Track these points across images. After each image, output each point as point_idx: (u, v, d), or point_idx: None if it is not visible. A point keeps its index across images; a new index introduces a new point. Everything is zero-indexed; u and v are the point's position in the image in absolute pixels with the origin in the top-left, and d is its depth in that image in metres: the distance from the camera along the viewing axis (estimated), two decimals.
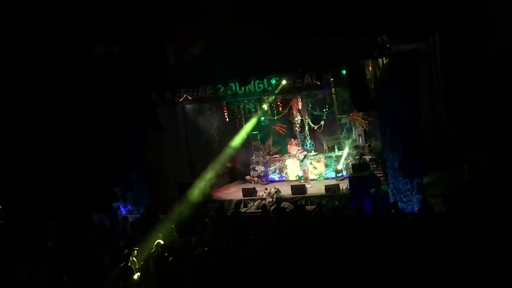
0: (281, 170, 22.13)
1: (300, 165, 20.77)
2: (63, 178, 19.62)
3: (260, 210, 17.39)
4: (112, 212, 18.35)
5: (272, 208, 17.06)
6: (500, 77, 18.25)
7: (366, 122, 19.98)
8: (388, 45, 16.25)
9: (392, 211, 14.76)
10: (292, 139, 21.89)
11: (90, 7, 22.70)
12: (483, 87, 18.18)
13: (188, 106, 20.57)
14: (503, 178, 15.27)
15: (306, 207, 17.86)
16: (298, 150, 21.05)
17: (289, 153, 21.81)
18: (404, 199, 15.73)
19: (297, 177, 21.22)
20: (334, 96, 20.37)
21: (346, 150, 20.68)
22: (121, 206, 18.74)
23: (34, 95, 20.37)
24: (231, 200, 19.13)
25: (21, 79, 19.71)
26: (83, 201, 18.31)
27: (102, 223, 16.88)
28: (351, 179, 17.50)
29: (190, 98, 18.40)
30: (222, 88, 17.93)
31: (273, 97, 19.86)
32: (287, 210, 16.43)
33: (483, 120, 17.15)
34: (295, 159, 21.19)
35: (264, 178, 21.76)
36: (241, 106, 21.76)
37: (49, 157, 19.97)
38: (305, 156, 20.53)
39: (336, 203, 17.04)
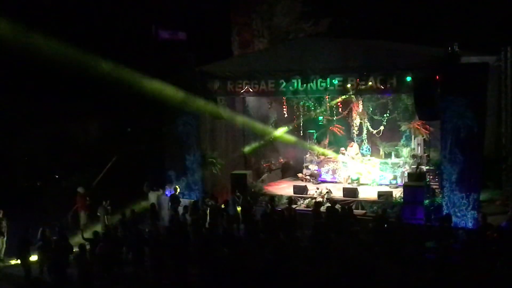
0: (334, 172, 21.89)
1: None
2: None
3: (310, 209, 17.41)
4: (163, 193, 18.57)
5: (325, 207, 16.93)
6: None
7: (427, 132, 19.53)
8: (459, 55, 15.88)
9: (445, 224, 14.44)
10: (352, 141, 21.63)
11: None
12: None
13: (248, 98, 20.70)
14: None
15: (355, 211, 17.70)
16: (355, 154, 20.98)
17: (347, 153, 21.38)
18: (458, 214, 15.42)
19: (349, 179, 20.88)
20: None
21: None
22: (167, 190, 18.92)
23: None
24: (281, 196, 19.13)
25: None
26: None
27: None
28: (406, 187, 17.24)
29: (251, 90, 18.51)
30: (284, 83, 17.96)
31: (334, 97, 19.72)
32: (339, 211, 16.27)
33: None
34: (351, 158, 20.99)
35: (318, 179, 21.54)
36: (301, 103, 21.70)
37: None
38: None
39: (389, 210, 16.76)
